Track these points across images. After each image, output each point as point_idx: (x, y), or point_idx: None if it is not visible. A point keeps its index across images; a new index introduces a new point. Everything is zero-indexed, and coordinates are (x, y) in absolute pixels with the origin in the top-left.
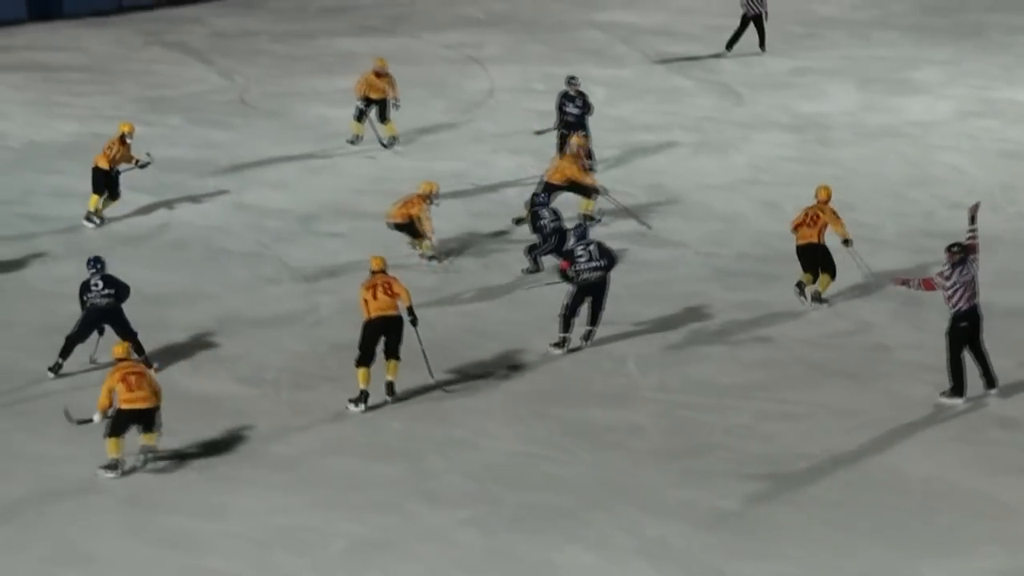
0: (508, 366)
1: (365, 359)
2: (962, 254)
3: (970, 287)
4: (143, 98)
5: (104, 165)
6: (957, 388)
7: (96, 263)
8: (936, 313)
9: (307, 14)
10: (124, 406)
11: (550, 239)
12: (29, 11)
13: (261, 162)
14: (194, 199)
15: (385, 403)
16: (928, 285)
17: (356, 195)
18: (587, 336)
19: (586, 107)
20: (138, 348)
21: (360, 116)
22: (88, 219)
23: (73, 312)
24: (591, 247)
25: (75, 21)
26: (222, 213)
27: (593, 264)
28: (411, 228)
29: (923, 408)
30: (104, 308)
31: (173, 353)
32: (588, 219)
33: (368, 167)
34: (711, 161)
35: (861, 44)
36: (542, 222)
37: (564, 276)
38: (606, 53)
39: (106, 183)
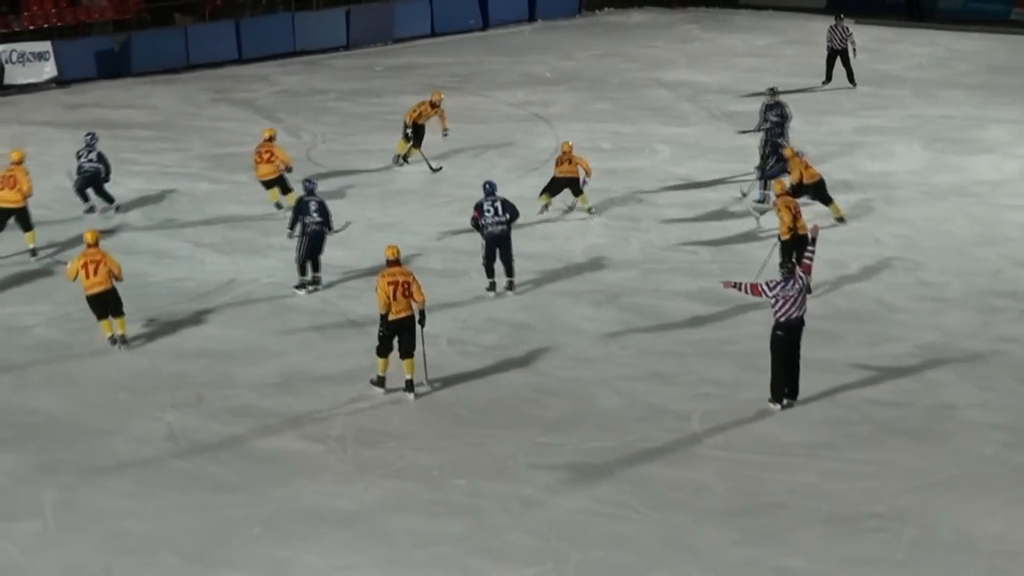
0: (572, 423)
1: (385, 350)
2: (791, 270)
3: (794, 301)
4: (210, 155)
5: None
6: (776, 394)
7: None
8: (1004, 371)
9: (373, 72)
10: (87, 292)
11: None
12: (99, 69)
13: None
14: (260, 256)
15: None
16: (755, 291)
17: (420, 253)
18: (509, 286)
19: (784, 116)
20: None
21: (408, 137)
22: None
23: (139, 369)
24: (497, 203)
25: (143, 78)
26: (287, 270)
27: (497, 219)
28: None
29: (991, 467)
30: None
31: (238, 410)
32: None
33: (432, 225)
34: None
35: (927, 103)
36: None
37: (475, 225)
38: (671, 111)
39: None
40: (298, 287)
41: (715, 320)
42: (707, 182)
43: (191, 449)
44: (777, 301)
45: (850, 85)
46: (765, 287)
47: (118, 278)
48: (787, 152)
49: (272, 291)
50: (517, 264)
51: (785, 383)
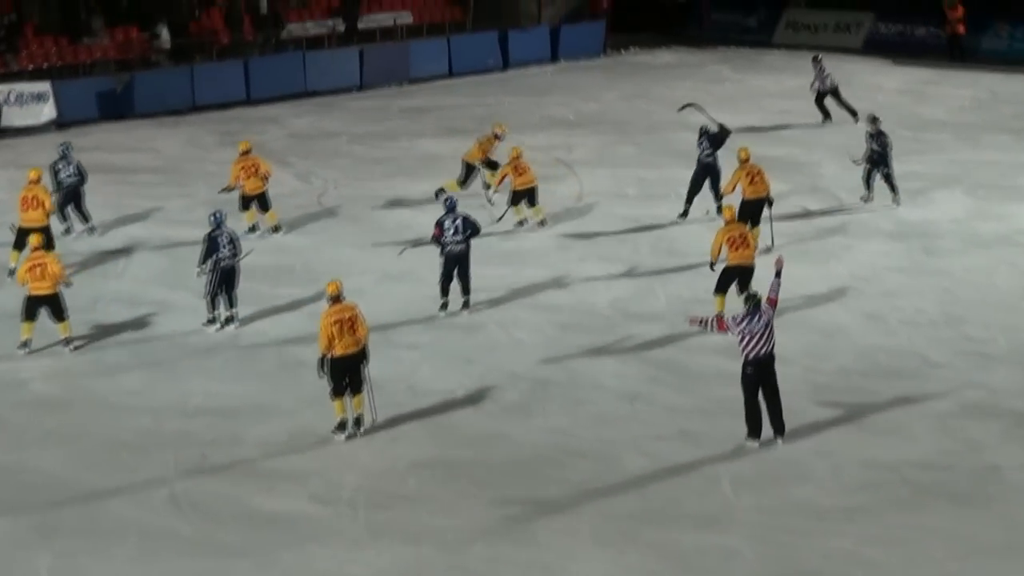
0: (597, 486)
1: (339, 391)
2: (755, 304)
3: (761, 336)
4: (217, 200)
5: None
6: (752, 430)
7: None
8: None
9: (388, 114)
10: (30, 293)
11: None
12: (100, 110)
13: (338, 269)
14: (268, 307)
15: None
16: (720, 326)
17: (437, 306)
18: (464, 305)
19: (886, 145)
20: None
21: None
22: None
23: (140, 427)
24: (457, 221)
25: (147, 120)
26: (296, 322)
27: (458, 237)
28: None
29: None
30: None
31: (245, 470)
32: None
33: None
34: (810, 270)
35: (970, 147)
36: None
37: (435, 241)
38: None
39: None
40: (208, 323)
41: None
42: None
43: (196, 512)
44: (743, 337)
45: (853, 120)
46: (730, 322)
47: (64, 283)
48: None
49: (280, 345)
50: (538, 316)
51: (771, 419)
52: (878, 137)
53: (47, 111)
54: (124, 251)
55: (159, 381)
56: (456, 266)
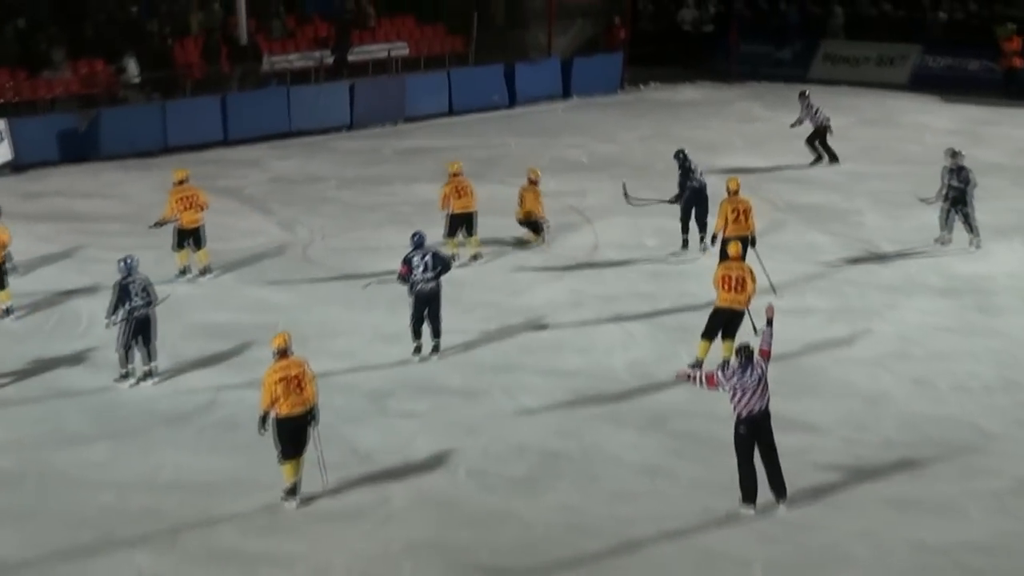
0: (614, 570)
1: (288, 454)
2: (747, 356)
3: (754, 391)
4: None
5: None
6: (747, 495)
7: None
8: None
9: (380, 156)
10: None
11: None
12: (61, 152)
13: (326, 329)
14: (247, 371)
15: None
16: (711, 382)
17: (436, 368)
18: (434, 349)
19: (967, 181)
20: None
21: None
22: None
23: (104, 504)
24: (427, 257)
25: (113, 163)
26: None
27: (428, 275)
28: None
29: None
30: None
31: (221, 553)
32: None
33: (450, 334)
34: (851, 330)
35: None
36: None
37: (402, 280)
38: None
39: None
40: (120, 379)
41: (780, 448)
42: (769, 286)
43: None
44: (735, 393)
45: (829, 163)
46: (720, 376)
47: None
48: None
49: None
50: (548, 381)
51: (769, 482)
52: (959, 172)
53: (1, 152)
54: (86, 308)
55: (125, 452)
56: (427, 306)
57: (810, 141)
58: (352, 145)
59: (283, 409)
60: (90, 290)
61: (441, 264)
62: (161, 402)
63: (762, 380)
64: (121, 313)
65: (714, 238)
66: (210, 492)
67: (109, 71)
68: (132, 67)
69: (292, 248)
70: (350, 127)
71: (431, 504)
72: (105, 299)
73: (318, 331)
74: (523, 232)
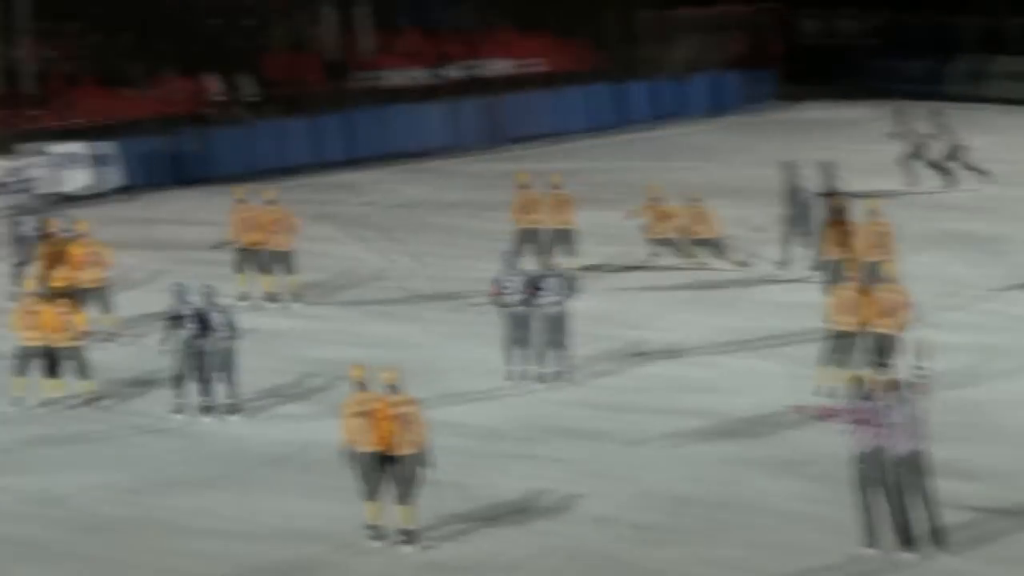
0: None
1: (369, 493)
2: (892, 389)
3: (898, 428)
4: (311, 285)
5: None
6: (872, 537)
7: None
8: None
9: (484, 181)
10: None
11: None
12: (174, 176)
13: (460, 368)
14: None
15: None
16: (833, 413)
17: (554, 408)
18: (539, 378)
19: None
20: None
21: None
22: None
23: (201, 552)
24: (517, 279)
25: (200, 188)
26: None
27: (517, 297)
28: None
29: None
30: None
31: None
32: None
33: (586, 375)
34: (1002, 367)
35: None
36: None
37: (494, 301)
38: None
39: None
40: (179, 411)
41: (964, 500)
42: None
43: None
44: (867, 425)
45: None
46: (849, 405)
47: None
48: None
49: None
50: (670, 421)
51: (908, 529)
52: None
53: (102, 175)
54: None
55: (222, 497)
56: (524, 329)
57: (935, 162)
58: (454, 168)
59: (362, 444)
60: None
61: (562, 288)
62: (259, 443)
63: (908, 417)
64: (174, 341)
65: (843, 263)
66: (314, 539)
67: (216, 89)
68: (243, 85)
69: (389, 276)
70: (453, 149)
71: (556, 553)
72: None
73: (452, 369)
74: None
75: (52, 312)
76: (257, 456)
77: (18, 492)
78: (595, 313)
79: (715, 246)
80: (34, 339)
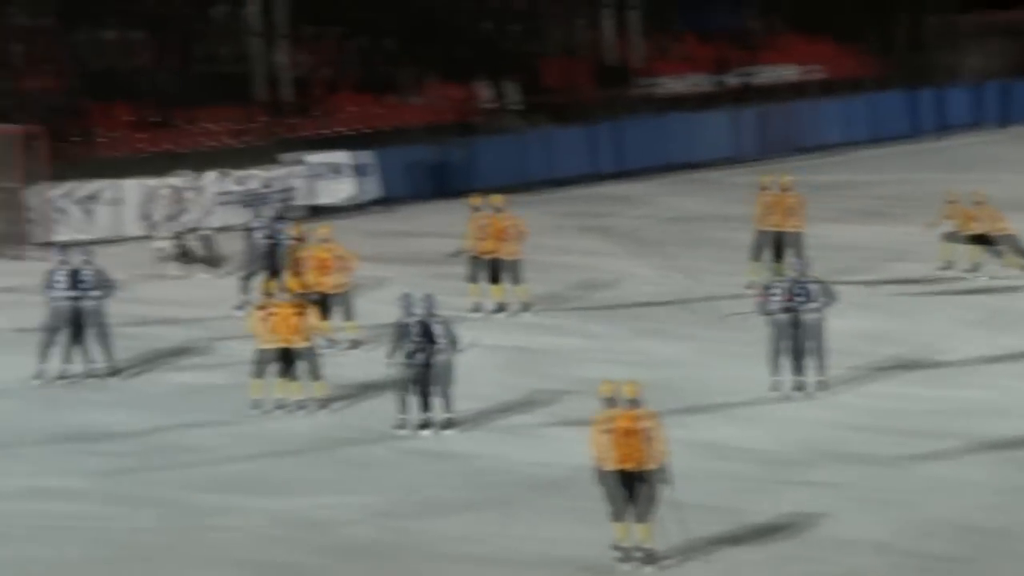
0: None
1: (618, 513)
2: None
3: None
4: (557, 296)
5: None
6: None
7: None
8: None
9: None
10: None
11: None
12: (417, 186)
13: (730, 388)
14: None
15: None
16: None
17: (859, 433)
18: (798, 387)
19: None
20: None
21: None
22: None
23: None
24: (790, 285)
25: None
26: (683, 454)
27: (790, 304)
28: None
29: None
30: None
31: None
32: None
33: (863, 396)
34: None
35: None
36: None
37: (759, 309)
38: None
39: None
40: (397, 427)
41: None
42: None
43: None
44: None
45: None
46: None
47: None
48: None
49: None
50: (962, 445)
51: None
52: None
53: (363, 186)
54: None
55: (487, 523)
56: (787, 339)
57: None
58: (739, 179)
59: (611, 463)
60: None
61: (822, 295)
62: (529, 468)
63: None
64: (400, 355)
65: None
66: (582, 569)
67: (478, 96)
68: (508, 92)
69: (669, 290)
70: (738, 159)
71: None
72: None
73: (721, 389)
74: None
75: (289, 315)
76: (528, 481)
77: (272, 514)
78: (878, 330)
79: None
80: (272, 342)
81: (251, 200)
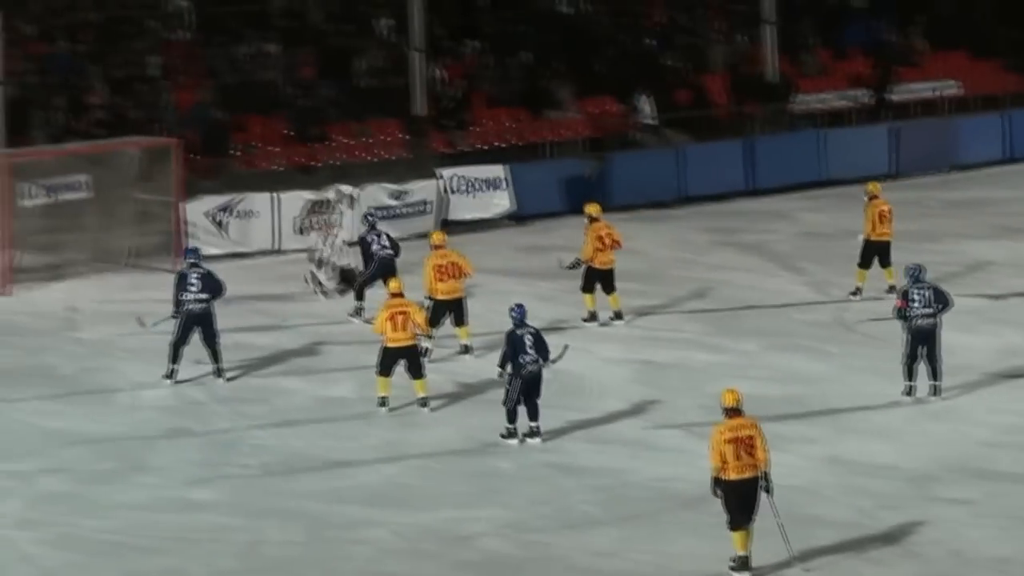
0: None
1: (736, 523)
2: None
3: None
4: (705, 314)
5: None
6: None
7: (193, 254)
8: None
9: (927, 208)
10: (390, 344)
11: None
12: (565, 201)
13: (864, 403)
14: (777, 451)
15: None
16: None
17: (988, 449)
18: (933, 391)
19: None
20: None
21: None
22: None
23: None
24: (927, 292)
25: (623, 214)
26: (811, 469)
27: (928, 310)
28: None
29: None
30: (198, 313)
31: None
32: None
33: (994, 412)
34: None
35: None
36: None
37: (899, 315)
38: None
39: None
40: (506, 435)
41: None
42: None
43: None
44: None
45: None
46: None
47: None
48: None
49: (789, 496)
50: None
51: None
52: None
53: (500, 201)
54: (594, 377)
55: (634, 539)
56: (924, 344)
57: None
58: (893, 196)
59: (731, 473)
60: (596, 353)
61: (942, 301)
62: (677, 483)
63: None
64: (509, 368)
65: None
66: None
67: (621, 111)
68: (646, 107)
69: (825, 312)
70: (892, 175)
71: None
72: (611, 363)
73: (854, 405)
74: None
75: (413, 313)
76: (678, 497)
77: (407, 527)
78: (1011, 346)
79: None
80: (397, 340)
81: (394, 212)
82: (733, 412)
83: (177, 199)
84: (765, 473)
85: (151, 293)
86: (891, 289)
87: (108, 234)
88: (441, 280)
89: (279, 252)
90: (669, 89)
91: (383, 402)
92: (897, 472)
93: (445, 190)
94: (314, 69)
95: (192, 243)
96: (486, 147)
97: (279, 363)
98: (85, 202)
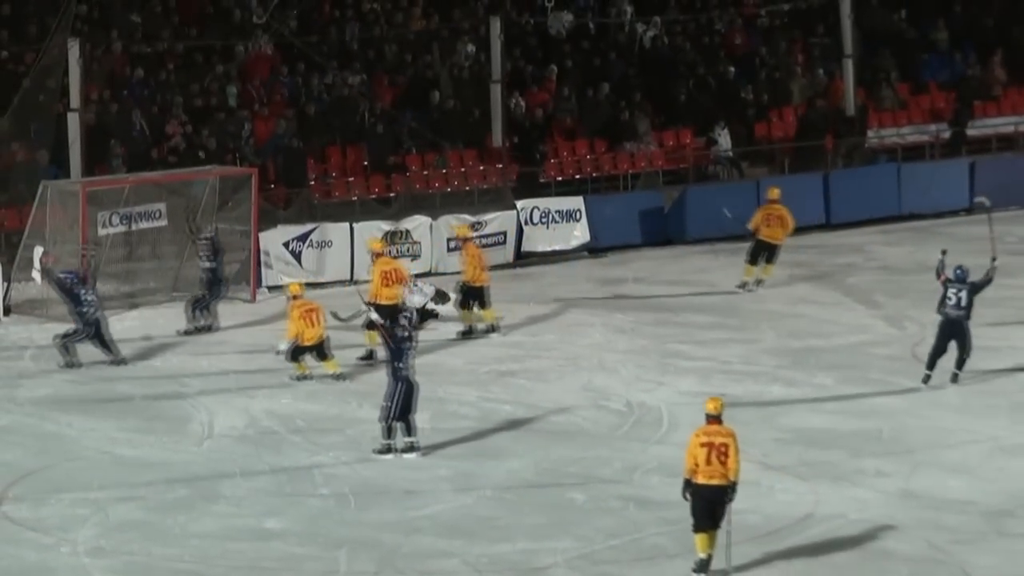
0: None
1: (701, 526)
2: None
3: None
4: (785, 349)
5: None
6: None
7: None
8: None
9: (1005, 244)
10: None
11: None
12: (643, 234)
13: (938, 438)
14: (847, 483)
15: None
16: None
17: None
18: (953, 378)
19: None
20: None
21: None
22: None
23: None
24: (964, 292)
25: (700, 247)
26: (884, 503)
27: (960, 312)
28: None
29: None
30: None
31: None
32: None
33: None
34: None
35: None
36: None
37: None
38: None
39: None
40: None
41: None
42: None
43: None
44: None
45: None
46: None
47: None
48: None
49: (863, 530)
50: None
51: None
52: None
53: (578, 233)
54: (666, 409)
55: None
56: (953, 338)
57: None
58: (971, 231)
59: (700, 477)
60: (671, 385)
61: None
62: (750, 515)
63: None
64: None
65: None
66: None
67: (698, 143)
68: (724, 139)
69: (901, 345)
70: (969, 211)
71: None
72: (686, 396)
73: (929, 440)
74: None
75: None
76: (750, 531)
77: (492, 559)
78: None
79: None
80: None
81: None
82: (712, 419)
83: (255, 228)
84: (733, 483)
85: (226, 321)
86: (759, 282)
87: (184, 263)
88: (386, 285)
89: (354, 282)
90: (747, 122)
91: (305, 377)
92: (972, 507)
93: (524, 221)
94: (393, 99)
95: (265, 271)
96: (561, 178)
97: (353, 393)
98: (162, 231)
